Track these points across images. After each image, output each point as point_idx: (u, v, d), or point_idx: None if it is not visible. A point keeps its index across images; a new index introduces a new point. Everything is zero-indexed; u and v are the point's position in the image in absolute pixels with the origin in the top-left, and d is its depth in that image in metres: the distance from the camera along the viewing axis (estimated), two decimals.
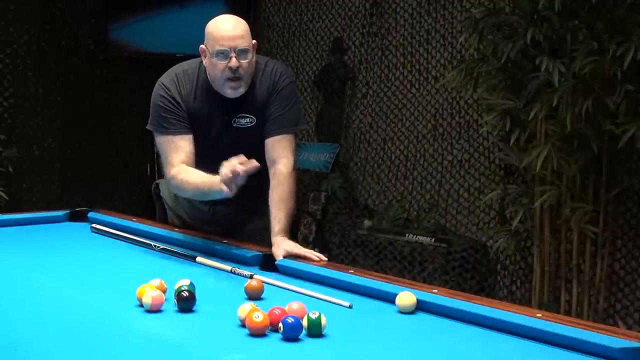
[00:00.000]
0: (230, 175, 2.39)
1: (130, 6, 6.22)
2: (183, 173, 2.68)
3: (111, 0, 6.21)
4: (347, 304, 2.07)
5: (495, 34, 3.91)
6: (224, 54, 2.63)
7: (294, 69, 6.01)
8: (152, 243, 2.77)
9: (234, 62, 2.63)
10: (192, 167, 2.70)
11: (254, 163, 2.43)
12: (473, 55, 4.39)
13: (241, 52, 2.64)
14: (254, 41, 2.71)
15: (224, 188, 2.44)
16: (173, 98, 2.75)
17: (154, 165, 5.93)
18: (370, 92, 5.53)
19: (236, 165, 2.39)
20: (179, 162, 2.70)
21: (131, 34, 6.18)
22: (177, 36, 5.77)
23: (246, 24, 2.71)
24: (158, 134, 2.78)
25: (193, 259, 2.58)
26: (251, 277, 2.27)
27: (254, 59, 2.72)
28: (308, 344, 1.80)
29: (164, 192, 3.12)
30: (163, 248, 2.72)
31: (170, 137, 2.74)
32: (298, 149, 5.60)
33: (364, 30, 5.55)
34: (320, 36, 5.87)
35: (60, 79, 6.11)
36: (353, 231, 5.11)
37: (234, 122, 2.77)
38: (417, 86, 5.24)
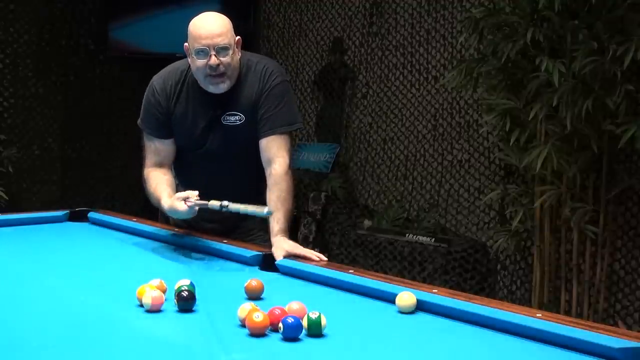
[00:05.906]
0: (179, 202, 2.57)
1: (130, 6, 6.22)
2: (150, 178, 2.80)
3: (111, 0, 6.21)
4: (265, 209, 2.26)
5: (495, 34, 3.91)
6: (203, 52, 2.64)
7: (294, 69, 6.01)
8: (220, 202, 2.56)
9: (213, 60, 2.63)
10: (168, 166, 2.85)
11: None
12: (473, 55, 4.39)
13: (221, 50, 2.63)
14: (237, 37, 2.70)
15: (169, 206, 2.59)
16: (157, 99, 2.80)
17: None
18: (370, 92, 5.53)
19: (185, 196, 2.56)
20: (152, 164, 2.84)
21: (131, 34, 6.18)
22: (177, 36, 5.72)
23: (228, 20, 2.70)
24: (143, 132, 2.89)
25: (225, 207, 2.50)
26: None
27: (237, 55, 2.71)
28: (308, 344, 1.80)
29: None
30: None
31: (150, 138, 2.86)
32: (298, 149, 5.67)
33: (364, 30, 5.55)
34: (320, 36, 5.87)
35: (60, 79, 6.12)
36: (353, 231, 5.11)
37: (224, 119, 2.76)
38: (417, 86, 5.24)
